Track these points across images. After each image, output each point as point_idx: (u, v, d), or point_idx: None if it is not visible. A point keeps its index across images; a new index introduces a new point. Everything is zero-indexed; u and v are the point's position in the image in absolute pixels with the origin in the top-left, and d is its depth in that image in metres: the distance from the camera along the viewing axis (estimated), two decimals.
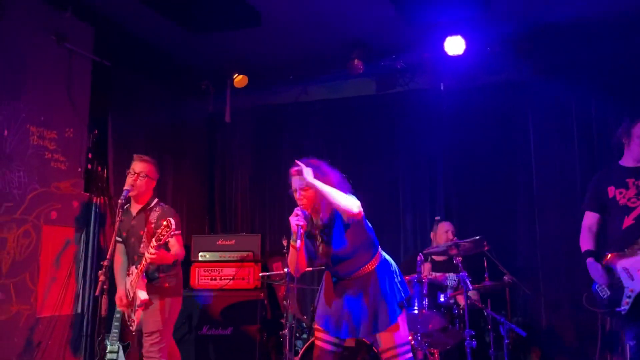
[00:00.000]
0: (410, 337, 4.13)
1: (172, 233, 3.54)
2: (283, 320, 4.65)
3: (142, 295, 3.74)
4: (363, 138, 5.70)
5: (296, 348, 4.74)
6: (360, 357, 3.88)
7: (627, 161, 3.69)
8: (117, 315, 4.23)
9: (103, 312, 3.73)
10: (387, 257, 3.21)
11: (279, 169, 6.17)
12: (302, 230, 2.88)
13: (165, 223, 3.51)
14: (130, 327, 4.06)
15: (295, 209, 2.95)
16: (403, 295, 3.10)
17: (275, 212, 6.11)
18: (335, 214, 3.02)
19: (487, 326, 4.24)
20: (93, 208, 4.73)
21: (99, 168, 4.94)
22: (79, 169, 4.62)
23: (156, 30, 4.96)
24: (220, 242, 5.38)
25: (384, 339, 3.03)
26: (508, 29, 4.79)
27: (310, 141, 6.04)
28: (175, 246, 3.82)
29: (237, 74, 5.60)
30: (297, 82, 5.83)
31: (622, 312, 3.50)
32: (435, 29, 4.88)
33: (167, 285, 3.87)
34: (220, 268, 5.34)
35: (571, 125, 5.10)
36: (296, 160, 3.03)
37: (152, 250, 3.55)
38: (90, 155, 4.83)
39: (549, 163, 5.16)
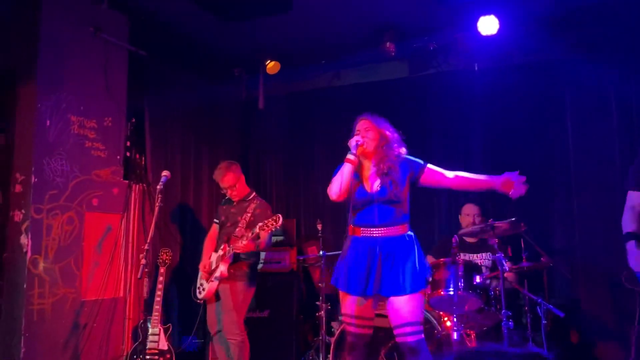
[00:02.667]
0: (446, 318, 4.16)
1: (273, 228, 4.09)
2: (319, 303, 4.72)
3: (223, 268, 4.25)
4: (396, 121, 5.59)
5: (332, 330, 4.80)
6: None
7: None
8: (158, 299, 4.38)
9: (145, 295, 3.88)
10: None
11: (312, 153, 6.21)
12: (360, 147, 3.21)
13: (274, 218, 4.06)
14: (198, 294, 4.37)
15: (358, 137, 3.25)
16: (429, 272, 3.19)
17: (310, 196, 6.16)
18: (404, 165, 3.25)
19: (524, 307, 4.22)
20: (132, 195, 4.86)
21: (137, 155, 5.06)
22: (118, 157, 4.74)
23: (189, 19, 5.02)
24: None
25: (401, 313, 3.04)
26: (543, 7, 4.67)
27: (343, 124, 6.02)
28: (265, 239, 4.34)
29: (269, 60, 5.63)
30: (329, 67, 5.83)
31: None
32: (468, 8, 4.79)
33: (245, 267, 4.36)
34: None
35: (610, 103, 4.95)
36: (364, 116, 3.38)
37: (244, 242, 4.15)
38: (128, 143, 4.94)
39: (587, 142, 5.03)
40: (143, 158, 5.11)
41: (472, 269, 4.01)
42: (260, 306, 5.21)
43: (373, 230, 3.16)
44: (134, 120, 5.04)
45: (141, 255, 3.68)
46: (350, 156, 3.21)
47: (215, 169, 4.60)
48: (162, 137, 5.33)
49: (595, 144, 5.00)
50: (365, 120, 3.38)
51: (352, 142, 3.23)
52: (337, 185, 3.18)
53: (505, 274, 3.92)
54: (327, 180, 6.02)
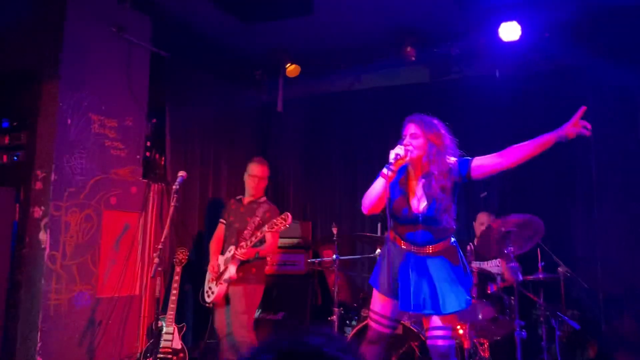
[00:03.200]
0: (459, 327, 4.11)
1: (282, 227, 4.12)
2: (332, 307, 4.70)
3: (232, 270, 4.27)
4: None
5: (345, 334, 4.77)
6: (408, 344, 3.88)
7: None
8: (173, 298, 4.42)
9: (157, 293, 3.91)
10: None
11: (330, 157, 6.21)
12: (399, 161, 2.93)
13: (283, 217, 4.10)
14: (206, 297, 4.39)
15: (401, 146, 2.98)
16: (470, 282, 3.12)
17: (326, 200, 6.16)
18: (452, 173, 3.00)
19: (539, 318, 4.15)
20: (151, 194, 4.91)
21: (157, 156, 5.11)
22: (138, 157, 4.79)
23: (211, 20, 5.07)
24: None
25: (436, 319, 3.01)
26: (566, 13, 4.61)
27: (362, 129, 6.03)
28: (270, 241, 4.40)
29: (289, 63, 5.65)
30: (349, 71, 5.82)
31: None
32: (490, 14, 4.76)
33: (254, 269, 4.39)
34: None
35: (634, 109, 4.87)
36: (412, 118, 3.10)
37: (243, 250, 4.21)
38: (148, 144, 5.01)
39: (610, 149, 4.93)
40: (163, 158, 5.16)
41: (487, 277, 3.96)
42: (274, 308, 5.22)
43: (415, 248, 3.05)
44: (154, 120, 5.10)
45: (154, 254, 3.71)
46: (385, 171, 2.92)
47: (250, 161, 4.75)
48: (182, 137, 5.38)
49: (619, 152, 4.90)
50: (413, 124, 3.08)
51: (391, 154, 2.93)
52: (368, 201, 3.00)
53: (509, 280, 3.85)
54: (345, 184, 6.11)
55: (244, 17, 4.95)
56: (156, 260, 3.66)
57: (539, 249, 4.32)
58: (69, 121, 4.24)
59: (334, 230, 4.94)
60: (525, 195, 5.20)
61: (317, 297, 5.57)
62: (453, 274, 3.00)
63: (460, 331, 4.01)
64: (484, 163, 3.06)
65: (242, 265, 4.36)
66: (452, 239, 3.10)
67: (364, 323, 4.15)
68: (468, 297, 2.99)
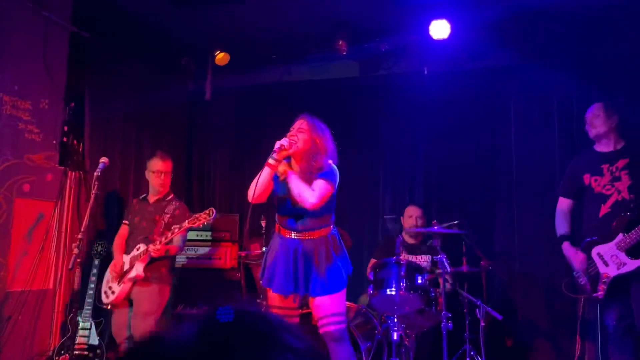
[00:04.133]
0: (383, 318, 4.16)
1: (205, 222, 3.93)
2: (259, 301, 4.63)
3: (140, 268, 4.04)
4: (346, 120, 5.65)
5: None
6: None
7: (601, 146, 3.71)
8: (90, 292, 4.19)
9: (75, 286, 3.70)
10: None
11: (260, 148, 6.10)
12: (282, 151, 3.14)
13: (207, 212, 3.94)
14: (104, 298, 4.14)
15: (286, 138, 3.20)
16: (349, 269, 3.28)
17: None
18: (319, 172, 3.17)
19: (463, 309, 4.26)
20: (68, 182, 4.62)
21: (75, 142, 4.82)
22: (54, 142, 4.50)
23: (138, 2, 4.84)
24: None
25: (323, 306, 3.14)
26: (494, 14, 4.75)
27: (292, 121, 5.94)
28: (178, 239, 4.19)
29: (218, 51, 5.50)
30: (281, 62, 5.75)
31: (599, 297, 3.56)
32: (421, 11, 4.83)
33: (163, 269, 4.19)
34: (196, 247, 5.30)
35: (552, 112, 5.11)
36: (304, 116, 3.32)
37: (158, 246, 3.99)
38: (66, 128, 4.71)
39: (530, 149, 5.17)
40: (81, 145, 4.87)
41: (415, 269, 4.02)
42: (197, 303, 5.07)
43: (295, 234, 3.21)
44: (72, 104, 4.80)
45: (74, 245, 3.50)
46: (270, 160, 3.14)
47: (151, 157, 4.51)
48: (103, 123, 5.10)
49: (537, 151, 5.14)
50: (303, 120, 3.32)
51: (277, 144, 3.17)
52: (253, 190, 3.15)
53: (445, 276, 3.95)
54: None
55: (174, 0, 4.76)
56: (75, 251, 3.45)
57: (463, 244, 4.44)
58: None
59: (263, 224, 4.88)
60: (450, 193, 5.34)
61: (243, 291, 5.46)
62: (333, 258, 3.18)
63: (389, 323, 4.05)
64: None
65: (151, 264, 4.13)
66: (332, 228, 3.29)
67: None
68: (345, 280, 3.19)
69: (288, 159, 3.27)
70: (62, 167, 4.58)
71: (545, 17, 4.79)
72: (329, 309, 3.14)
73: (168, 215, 4.22)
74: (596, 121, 3.68)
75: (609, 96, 4.73)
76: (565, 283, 3.83)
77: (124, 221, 4.45)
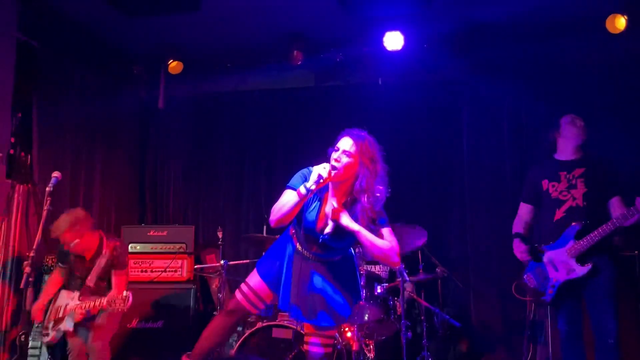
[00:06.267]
0: (347, 329, 4.18)
1: (120, 309, 3.66)
2: (216, 313, 4.57)
3: (69, 325, 3.85)
4: (302, 129, 5.68)
5: (231, 342, 4.66)
6: (298, 349, 3.86)
7: (561, 155, 3.85)
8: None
9: (27, 306, 3.56)
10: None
11: (215, 158, 6.05)
12: (320, 183, 2.70)
13: (123, 297, 3.62)
14: (43, 338, 3.96)
15: (327, 164, 2.76)
16: (359, 297, 3.12)
17: (210, 203, 5.97)
18: (354, 208, 2.80)
19: (420, 317, 4.33)
20: (15, 195, 4.45)
21: (22, 153, 4.66)
22: (0, 154, 4.32)
23: (88, 10, 4.72)
24: (151, 233, 5.22)
25: (315, 325, 3.00)
26: (446, 27, 4.88)
27: (248, 130, 5.95)
28: (117, 283, 3.97)
29: (172, 60, 5.43)
30: (236, 71, 5.72)
31: (547, 301, 3.70)
32: (376, 23, 4.91)
33: (100, 324, 3.96)
34: (151, 260, 5.19)
35: (502, 122, 5.30)
36: (351, 134, 2.79)
37: (82, 311, 3.77)
38: (12, 140, 4.54)
39: (481, 157, 5.34)
40: (29, 156, 4.70)
41: (374, 279, 4.06)
42: (153, 317, 4.97)
43: (307, 254, 2.95)
44: (20, 114, 4.63)
45: (25, 263, 3.35)
46: (303, 190, 2.71)
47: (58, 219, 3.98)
48: (52, 134, 4.94)
49: (487, 159, 5.31)
50: (349, 139, 2.80)
51: (313, 173, 2.72)
52: (279, 215, 2.77)
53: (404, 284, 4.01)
54: (229, 187, 5.97)
55: (124, 8, 4.67)
56: (27, 269, 3.30)
57: (419, 252, 4.52)
58: None
59: (219, 234, 4.83)
60: (405, 201, 5.43)
61: (199, 304, 5.39)
62: (340, 288, 2.96)
63: (349, 334, 4.08)
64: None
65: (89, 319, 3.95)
66: (349, 252, 3.05)
67: (251, 330, 4.08)
68: (342, 316, 2.95)
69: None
70: (9, 181, 4.40)
71: (494, 31, 4.96)
72: (322, 330, 3.00)
73: (104, 260, 3.96)
74: (580, 132, 3.78)
75: (556, 107, 4.93)
76: (515, 286, 3.95)
77: (59, 264, 4.13)
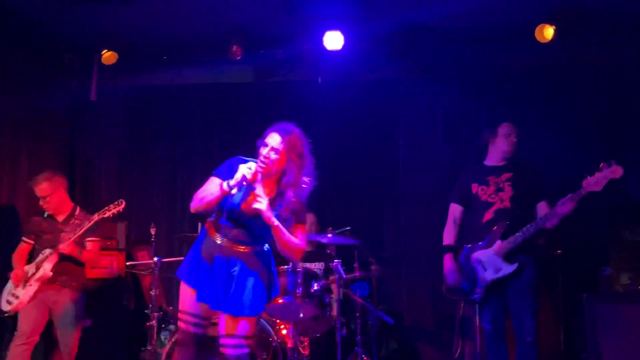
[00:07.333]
0: (282, 326, 4.18)
1: (115, 212, 3.89)
2: (148, 311, 4.48)
3: (48, 267, 3.93)
4: (240, 126, 5.62)
5: (163, 340, 4.56)
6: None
7: (490, 160, 4.02)
8: None
9: None
10: None
11: (149, 153, 5.90)
12: (242, 184, 2.76)
13: (116, 202, 3.95)
14: (6, 305, 3.97)
15: (254, 163, 2.82)
16: (277, 291, 3.10)
17: (144, 198, 5.81)
18: (280, 200, 2.87)
19: (355, 314, 4.39)
20: None
21: None
22: None
23: None
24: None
25: (233, 325, 2.94)
26: (384, 28, 4.95)
27: (184, 125, 5.84)
28: (91, 247, 4.13)
29: (106, 50, 5.25)
30: (172, 64, 5.58)
31: (476, 300, 3.83)
32: (316, 22, 4.92)
33: (78, 273, 4.14)
34: None
35: (437, 123, 5.46)
36: (279, 130, 2.86)
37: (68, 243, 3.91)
38: None
39: (416, 159, 5.47)
40: None
41: (311, 276, 4.08)
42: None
43: (228, 243, 2.93)
44: None
45: None
46: (225, 186, 2.77)
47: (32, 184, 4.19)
48: None
49: (422, 160, 5.45)
50: (277, 136, 2.86)
51: (238, 172, 2.77)
52: (199, 205, 2.89)
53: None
54: (164, 182, 5.84)
55: None
56: None
57: (355, 250, 4.58)
58: None
59: (152, 231, 4.72)
60: (342, 200, 5.51)
61: (131, 301, 5.25)
62: (258, 279, 2.97)
63: (284, 331, 4.09)
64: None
65: (62, 263, 4.01)
66: (267, 246, 3.06)
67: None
68: (258, 306, 2.95)
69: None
70: None
71: (431, 33, 5.07)
72: (238, 329, 2.93)
73: (78, 221, 4.08)
74: (512, 147, 3.93)
75: (488, 111, 5.14)
76: (444, 286, 4.08)
77: (24, 239, 4.23)
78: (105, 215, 3.93)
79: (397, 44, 5.10)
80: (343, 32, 4.93)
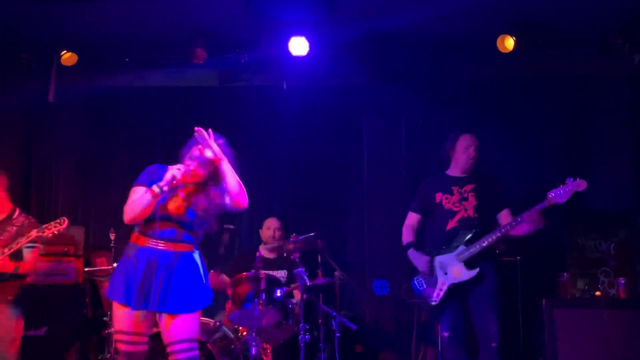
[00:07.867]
0: (245, 333, 4.14)
1: (56, 232, 3.64)
2: (106, 319, 4.39)
3: None
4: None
5: None
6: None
7: (453, 171, 4.09)
8: None
9: None
10: None
11: (109, 156, 5.78)
12: (173, 184, 2.91)
13: (59, 220, 3.68)
14: None
15: (182, 166, 2.99)
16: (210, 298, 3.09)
17: (103, 203, 5.66)
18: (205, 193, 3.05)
19: (317, 320, 4.37)
20: None
21: None
22: None
23: None
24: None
25: (176, 329, 2.92)
26: (349, 35, 4.98)
27: (146, 129, 5.74)
28: (29, 258, 3.82)
29: (65, 51, 5.12)
30: (134, 66, 5.48)
31: (434, 304, 3.88)
32: (281, 27, 4.91)
33: (11, 293, 3.80)
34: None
35: (400, 131, 5.52)
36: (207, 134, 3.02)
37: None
38: None
39: (379, 165, 5.53)
40: None
41: (274, 283, 4.05)
42: (35, 323, 4.65)
43: (159, 243, 2.95)
44: None
45: None
46: (156, 189, 2.87)
47: None
48: None
49: (385, 166, 5.51)
50: (204, 142, 3.03)
51: (168, 174, 2.92)
52: (133, 214, 2.94)
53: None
54: (125, 187, 5.68)
55: None
56: None
57: (318, 255, 4.58)
58: None
59: (112, 236, 4.63)
60: (306, 205, 5.50)
61: (88, 309, 5.12)
62: (196, 277, 3.01)
63: (247, 338, 4.04)
64: None
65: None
66: (196, 246, 3.11)
67: None
68: (204, 302, 3.01)
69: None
70: None
71: (395, 41, 5.13)
72: (182, 332, 2.91)
73: (15, 228, 3.81)
74: (470, 152, 3.99)
75: (451, 119, 5.21)
76: (405, 288, 4.13)
77: None
78: (44, 234, 3.67)
79: (362, 51, 5.15)
80: (308, 38, 4.94)
